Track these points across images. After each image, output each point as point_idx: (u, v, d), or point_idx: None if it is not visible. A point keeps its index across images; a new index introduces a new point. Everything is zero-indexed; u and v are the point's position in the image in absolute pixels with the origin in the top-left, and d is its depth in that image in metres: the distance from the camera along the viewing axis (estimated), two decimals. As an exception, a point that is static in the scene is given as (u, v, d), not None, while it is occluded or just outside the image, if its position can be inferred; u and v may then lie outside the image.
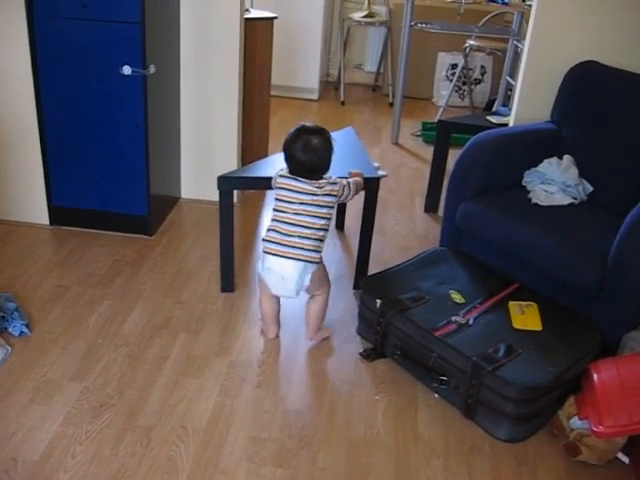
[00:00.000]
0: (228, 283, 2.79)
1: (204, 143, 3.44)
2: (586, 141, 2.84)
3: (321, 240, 2.33)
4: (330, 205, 2.31)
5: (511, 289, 2.53)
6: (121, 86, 2.84)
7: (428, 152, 4.55)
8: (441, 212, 3.60)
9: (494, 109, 4.78)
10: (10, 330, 2.42)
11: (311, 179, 2.28)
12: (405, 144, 4.74)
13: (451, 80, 5.42)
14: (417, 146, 4.72)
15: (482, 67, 5.54)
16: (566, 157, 2.78)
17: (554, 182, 2.71)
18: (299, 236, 2.28)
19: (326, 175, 2.33)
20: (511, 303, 2.45)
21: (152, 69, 2.85)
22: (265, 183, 2.59)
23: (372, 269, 2.85)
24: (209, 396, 2.23)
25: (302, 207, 2.27)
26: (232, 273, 2.78)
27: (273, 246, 2.31)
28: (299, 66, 5.34)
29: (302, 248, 2.28)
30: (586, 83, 2.88)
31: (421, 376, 2.34)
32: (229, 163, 3.43)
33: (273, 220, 2.34)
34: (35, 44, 2.82)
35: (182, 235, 3.22)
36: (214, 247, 3.07)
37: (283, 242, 2.29)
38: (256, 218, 3.51)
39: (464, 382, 2.17)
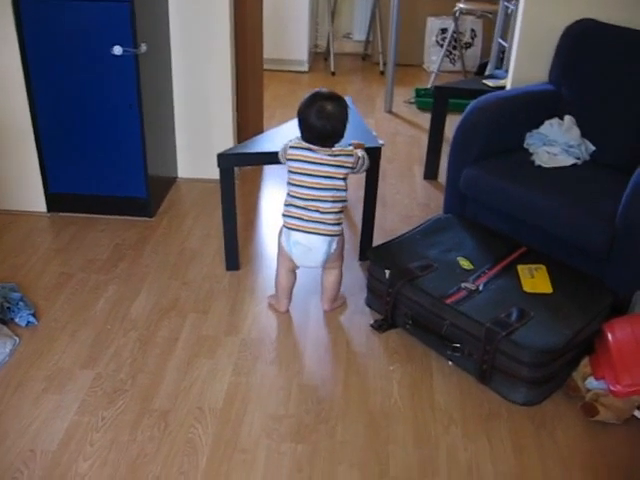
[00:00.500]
0: (233, 262, 2.76)
1: (199, 121, 3.39)
2: (586, 101, 2.81)
3: (341, 211, 2.32)
4: (345, 177, 2.28)
5: (519, 253, 2.52)
6: (113, 67, 2.79)
7: (423, 119, 4.52)
8: (441, 179, 3.60)
9: (487, 72, 4.74)
10: (17, 320, 2.39)
11: (324, 146, 2.24)
12: (399, 112, 4.69)
13: (441, 45, 5.35)
14: (411, 113, 4.67)
15: (472, 30, 5.48)
16: (567, 117, 2.76)
17: (556, 143, 2.68)
18: (318, 211, 2.27)
19: (340, 144, 2.29)
20: (520, 267, 2.43)
21: (143, 48, 2.79)
22: (267, 158, 2.56)
23: (376, 240, 2.83)
24: (223, 376, 2.22)
25: (317, 180, 2.25)
26: (236, 251, 2.75)
27: (295, 221, 2.30)
28: (288, 38, 5.26)
29: (325, 223, 2.28)
30: (584, 41, 2.83)
31: (434, 344, 2.33)
32: (225, 140, 3.39)
33: (289, 195, 2.32)
34: (22, 27, 2.75)
35: (182, 215, 3.19)
36: (216, 225, 3.05)
37: (304, 217, 2.28)
38: (255, 194, 3.48)
39: (478, 348, 2.17)
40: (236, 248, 2.75)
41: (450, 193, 2.79)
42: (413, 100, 4.81)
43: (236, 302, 2.58)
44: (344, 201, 2.33)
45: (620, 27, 2.77)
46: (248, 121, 3.63)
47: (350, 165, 2.28)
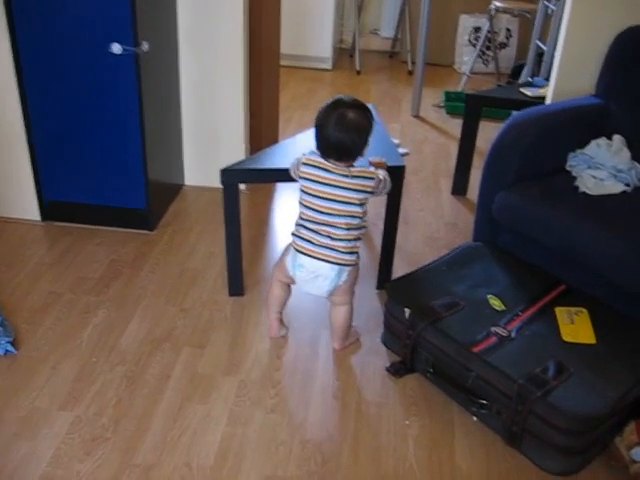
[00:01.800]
0: (237, 286, 2.50)
1: (208, 125, 3.13)
2: (637, 118, 2.50)
3: (357, 239, 2.07)
4: (363, 202, 2.02)
5: (557, 292, 2.22)
6: (111, 67, 2.53)
7: (453, 125, 4.22)
8: (470, 195, 3.30)
9: (523, 76, 4.43)
10: (-7, 349, 2.16)
11: (341, 161, 1.98)
12: (427, 117, 4.39)
13: (474, 45, 5.04)
14: (440, 119, 4.37)
15: (507, 30, 5.15)
16: (616, 137, 2.45)
17: (603, 167, 2.38)
18: (329, 237, 2.03)
19: (360, 163, 2.03)
20: (558, 309, 2.14)
21: (145, 46, 2.53)
22: (276, 175, 2.30)
23: (396, 264, 2.56)
24: (217, 425, 1.96)
25: (330, 205, 1.99)
26: (241, 275, 2.49)
27: (304, 244, 2.07)
28: (310, 33, 4.97)
29: (336, 250, 2.04)
30: (636, 51, 2.52)
31: (457, 397, 2.05)
32: (236, 146, 3.14)
33: (300, 217, 2.09)
34: (14, 24, 2.50)
35: (186, 229, 2.93)
36: (221, 242, 2.80)
37: (315, 241, 2.05)
38: (267, 205, 3.21)
39: (508, 408, 1.88)
40: (240, 272, 2.49)
41: (481, 219, 2.49)
42: (442, 104, 4.51)
43: (238, 335, 2.32)
44: (362, 228, 2.07)
45: (680, 36, 2.46)
46: (262, 125, 3.36)
47: (370, 189, 2.02)
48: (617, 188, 2.33)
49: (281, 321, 2.31)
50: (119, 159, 2.72)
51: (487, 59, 5.17)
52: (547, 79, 3.60)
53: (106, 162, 2.73)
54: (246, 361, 2.20)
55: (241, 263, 2.48)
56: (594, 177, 2.36)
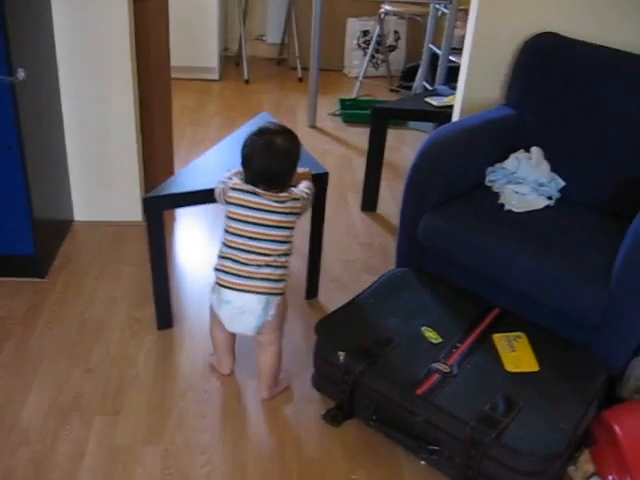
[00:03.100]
0: (165, 320, 2.36)
1: (96, 153, 2.84)
2: (551, 127, 2.46)
3: (285, 266, 1.95)
4: (293, 226, 1.94)
5: (492, 316, 2.14)
6: (-18, 100, 2.22)
7: (351, 134, 4.12)
8: (381, 210, 3.20)
9: (416, 82, 4.39)
10: None
11: (270, 190, 1.88)
12: (324, 127, 4.25)
13: (363, 48, 4.96)
14: (338, 128, 4.24)
15: (395, 32, 5.10)
16: (535, 150, 2.40)
17: (525, 181, 2.32)
18: (258, 265, 1.90)
19: (289, 189, 1.93)
20: (497, 337, 2.05)
21: (21, 74, 2.23)
22: (204, 197, 2.13)
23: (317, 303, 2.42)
24: (144, 508, 1.73)
25: (260, 230, 1.88)
26: (169, 308, 2.36)
27: (229, 278, 1.92)
28: (195, 42, 4.69)
29: (266, 279, 1.91)
30: (546, 58, 2.48)
31: (405, 443, 1.92)
32: (128, 174, 2.88)
33: (226, 245, 1.93)
34: None
35: (81, 271, 2.64)
36: (123, 286, 2.56)
37: (242, 273, 1.90)
38: (180, 235, 2.96)
39: (461, 452, 1.77)
40: (169, 305, 2.35)
41: (404, 242, 2.37)
42: (338, 112, 4.38)
43: (154, 394, 2.08)
44: (289, 254, 1.95)
45: (588, 43, 2.43)
46: (156, 149, 3.10)
47: (297, 211, 1.93)
48: (541, 203, 2.28)
49: (232, 355, 2.15)
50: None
51: (377, 62, 5.10)
52: (447, 84, 3.56)
53: (-17, 206, 2.41)
54: (167, 425, 1.97)
55: (169, 295, 2.31)
56: (516, 192, 2.29)
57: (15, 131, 2.28)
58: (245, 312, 1.93)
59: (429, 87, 4.16)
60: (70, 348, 2.25)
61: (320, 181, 2.28)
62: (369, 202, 3.17)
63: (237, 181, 1.92)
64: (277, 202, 1.88)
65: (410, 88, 4.62)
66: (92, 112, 2.75)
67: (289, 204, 1.90)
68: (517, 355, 1.99)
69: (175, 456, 1.88)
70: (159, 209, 2.18)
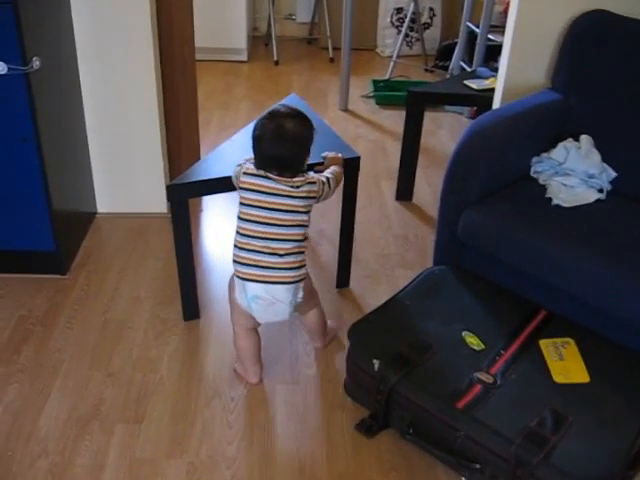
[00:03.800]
0: (191, 311, 2.29)
1: (119, 143, 2.73)
2: (602, 114, 2.28)
3: (303, 252, 1.88)
4: (309, 210, 1.86)
5: (538, 320, 1.99)
6: (-4, 91, 2.11)
7: (384, 117, 3.95)
8: (417, 200, 3.04)
9: (453, 62, 4.18)
10: None
11: (282, 176, 1.80)
12: (357, 109, 4.08)
13: (396, 27, 4.76)
14: (370, 111, 4.07)
15: (430, 9, 4.88)
16: (584, 138, 2.22)
17: (573, 172, 2.14)
18: (277, 254, 1.82)
19: (304, 173, 1.86)
20: (543, 343, 1.90)
21: (36, 63, 2.12)
22: (229, 184, 2.00)
23: (350, 291, 2.29)
24: (166, 528, 1.63)
25: (277, 215, 1.80)
26: (196, 298, 2.28)
27: (250, 270, 1.83)
28: (222, 22, 4.55)
29: (285, 268, 1.83)
30: (597, 38, 2.29)
31: (444, 459, 1.78)
32: (153, 162, 2.77)
33: (241, 234, 1.84)
34: None
35: (104, 267, 2.54)
36: (146, 282, 2.46)
37: (262, 264, 1.82)
38: (206, 225, 2.85)
39: (505, 472, 1.63)
40: (195, 295, 2.28)
41: (443, 239, 2.22)
42: (371, 94, 4.20)
43: (178, 401, 1.98)
44: (306, 239, 1.88)
45: (641, 21, 2.24)
46: (181, 136, 2.97)
47: (314, 195, 1.86)
48: (591, 196, 2.11)
49: (260, 363, 2.05)
50: (17, 196, 2.30)
51: (411, 41, 4.89)
52: (485, 64, 3.37)
53: (2, 200, 2.31)
54: (192, 435, 1.87)
55: (195, 285, 2.24)
56: (564, 184, 2.12)
57: (31, 123, 2.17)
58: (276, 303, 1.87)
59: (467, 68, 3.96)
60: (91, 350, 2.15)
61: (352, 166, 2.19)
62: (404, 191, 3.02)
63: (250, 166, 1.83)
64: (292, 187, 1.80)
65: (446, 68, 4.42)
66: (113, 100, 2.64)
67: (305, 188, 1.81)
68: (566, 364, 1.84)
69: (199, 471, 1.77)
70: (184, 197, 2.09)
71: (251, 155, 1.87)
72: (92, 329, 2.24)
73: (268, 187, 1.79)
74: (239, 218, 1.84)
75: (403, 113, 2.94)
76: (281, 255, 1.81)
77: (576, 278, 1.90)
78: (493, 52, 3.81)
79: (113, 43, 2.53)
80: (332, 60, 4.82)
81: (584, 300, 1.91)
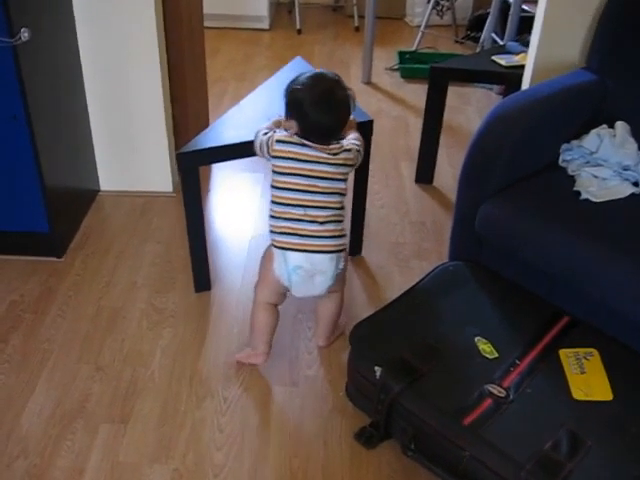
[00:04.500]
0: (203, 282, 2.23)
1: (121, 118, 2.59)
2: (641, 97, 2.07)
3: (342, 220, 1.82)
4: (347, 178, 1.80)
5: (559, 326, 1.81)
6: (-18, 64, 1.97)
7: (409, 91, 3.74)
8: (437, 183, 2.86)
9: (484, 34, 3.93)
10: None
11: (322, 143, 1.74)
12: (380, 82, 3.88)
13: (427, -6, 4.50)
14: (395, 84, 3.87)
15: (463, -25, 4.62)
16: (620, 125, 2.01)
17: (606, 163, 1.95)
18: (316, 222, 1.75)
19: (338, 141, 1.80)
20: (564, 352, 1.73)
21: (25, 35, 1.97)
22: (241, 150, 1.97)
23: (359, 283, 2.16)
24: (145, 542, 1.52)
25: (316, 182, 1.74)
26: (207, 269, 2.23)
27: (293, 239, 1.76)
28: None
29: (326, 237, 1.77)
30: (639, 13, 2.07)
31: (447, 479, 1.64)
32: (158, 139, 2.63)
33: (277, 204, 1.77)
34: None
35: (103, 250, 2.42)
36: (145, 267, 2.35)
37: (302, 232, 1.76)
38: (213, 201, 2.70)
39: (514, 499, 1.48)
40: (206, 265, 2.22)
41: (459, 232, 2.05)
42: (397, 66, 3.99)
43: (167, 400, 1.86)
44: (343, 208, 1.82)
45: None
46: (187, 111, 2.82)
47: (351, 162, 1.79)
48: (625, 190, 1.91)
49: (271, 343, 1.95)
50: (9, 176, 2.19)
51: (441, 10, 4.64)
52: (518, 38, 3.14)
53: (-8, 180, 2.20)
54: (179, 439, 1.75)
55: (207, 257, 2.18)
56: (596, 176, 1.93)
57: (21, 99, 2.04)
58: (316, 274, 1.79)
59: (499, 40, 3.72)
60: (81, 341, 2.04)
61: (365, 130, 2.07)
62: (425, 173, 2.84)
63: (283, 133, 1.75)
64: (329, 154, 1.73)
65: (477, 40, 4.18)
66: (115, 71, 2.49)
67: (342, 155, 1.75)
68: (587, 378, 1.67)
69: (184, 478, 1.65)
70: (194, 165, 2.00)
71: (270, 118, 1.85)
72: (84, 317, 2.12)
73: (306, 155, 1.72)
74: (274, 187, 1.77)
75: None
76: (321, 222, 1.75)
77: (602, 282, 1.72)
78: (527, 24, 3.55)
79: (113, 10, 2.37)
80: (357, 29, 4.61)
81: (611, 306, 1.73)
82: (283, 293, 1.88)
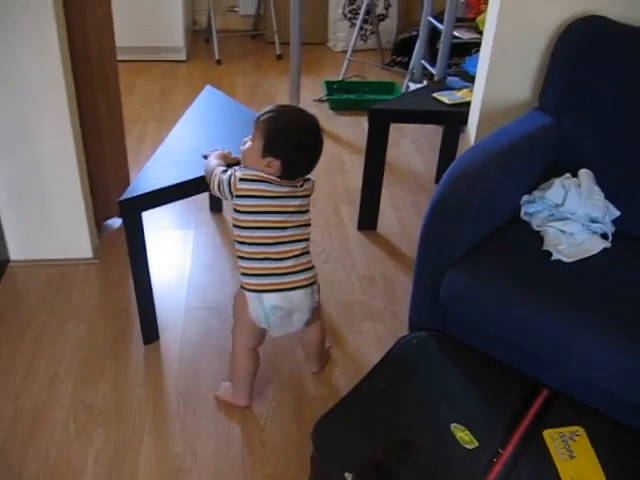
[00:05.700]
0: (151, 334, 2.13)
1: (30, 178, 2.31)
2: (602, 139, 1.95)
3: (310, 252, 1.81)
4: (309, 209, 1.78)
5: (539, 402, 1.65)
6: None
7: (340, 125, 3.57)
8: (381, 229, 2.69)
9: (413, 62, 3.80)
10: None
11: (292, 180, 1.71)
12: (309, 116, 3.68)
13: (349, 19, 4.36)
14: (325, 117, 3.68)
15: (385, 0, 4.49)
16: (584, 173, 1.88)
17: (574, 216, 1.81)
18: (294, 256, 1.73)
19: None
20: (548, 434, 1.57)
21: None
22: (188, 189, 1.96)
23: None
24: None
25: (288, 217, 1.70)
26: (155, 321, 2.13)
27: (267, 280, 1.72)
28: (157, 19, 4.11)
29: (303, 270, 1.75)
30: (594, 49, 1.96)
31: None
32: (72, 200, 2.38)
33: (249, 244, 1.70)
34: None
35: (17, 334, 2.13)
36: (67, 352, 2.08)
37: (278, 271, 1.72)
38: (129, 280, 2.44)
39: None
40: (154, 318, 2.12)
41: (420, 300, 1.87)
42: (325, 97, 3.82)
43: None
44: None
45: (642, 30, 1.91)
46: (106, 166, 2.55)
47: (310, 192, 1.77)
48: (597, 246, 1.78)
49: (252, 388, 1.93)
50: None
51: (365, 34, 4.50)
52: (453, 69, 3.02)
53: None
54: None
55: (153, 308, 2.08)
56: (562, 231, 1.79)
57: None
58: (294, 311, 1.77)
59: (429, 67, 3.60)
60: (-2, 451, 1.75)
61: None
62: (368, 219, 2.66)
63: (245, 171, 1.68)
64: (294, 187, 1.70)
65: (404, 65, 4.06)
66: (19, 126, 2.21)
67: (305, 186, 1.74)
68: (577, 463, 1.51)
69: None
70: (139, 211, 1.90)
71: (213, 152, 1.85)
72: (1, 420, 1.83)
73: (273, 191, 1.68)
74: (239, 227, 1.70)
75: (361, 119, 2.60)
76: (297, 256, 1.72)
77: (583, 357, 1.57)
78: (456, 49, 3.47)
79: (17, 71, 2.10)
80: (280, 57, 4.42)
81: (595, 384, 1.59)
82: (262, 335, 1.84)
